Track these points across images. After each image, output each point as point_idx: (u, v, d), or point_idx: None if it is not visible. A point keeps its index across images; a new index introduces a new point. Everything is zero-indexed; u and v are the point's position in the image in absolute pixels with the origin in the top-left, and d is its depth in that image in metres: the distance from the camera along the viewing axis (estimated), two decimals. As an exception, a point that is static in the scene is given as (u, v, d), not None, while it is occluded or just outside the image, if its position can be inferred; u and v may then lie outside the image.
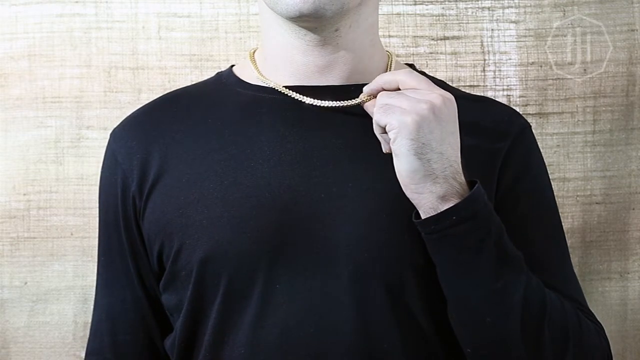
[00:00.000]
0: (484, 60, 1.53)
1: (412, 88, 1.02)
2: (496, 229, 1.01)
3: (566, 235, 1.16)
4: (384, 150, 1.03)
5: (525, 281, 1.01)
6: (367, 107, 1.06)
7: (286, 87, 1.08)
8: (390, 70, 1.12)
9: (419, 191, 1.00)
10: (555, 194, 1.18)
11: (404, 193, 1.02)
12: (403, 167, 1.00)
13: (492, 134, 1.09)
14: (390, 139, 1.00)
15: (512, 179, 1.08)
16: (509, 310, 1.00)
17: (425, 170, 0.99)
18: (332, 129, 1.07)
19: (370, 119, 1.04)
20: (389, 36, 1.52)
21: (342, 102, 1.07)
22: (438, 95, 1.00)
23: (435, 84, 1.14)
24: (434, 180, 0.99)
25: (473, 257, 1.00)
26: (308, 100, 1.07)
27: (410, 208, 1.02)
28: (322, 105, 1.07)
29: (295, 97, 1.08)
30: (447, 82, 1.21)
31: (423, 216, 1.01)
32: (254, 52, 1.15)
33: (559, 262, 1.11)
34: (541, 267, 1.07)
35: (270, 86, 1.09)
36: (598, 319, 1.12)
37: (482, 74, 1.53)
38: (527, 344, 1.01)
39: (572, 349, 1.03)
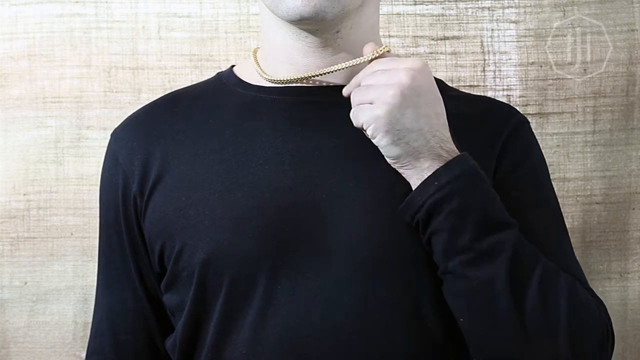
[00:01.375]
0: (484, 60, 1.53)
1: (382, 70, 1.02)
2: (483, 192, 1.02)
3: (566, 235, 1.16)
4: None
5: (513, 242, 1.01)
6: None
7: (287, 88, 1.08)
8: None
9: (409, 170, 1.02)
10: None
11: (405, 192, 1.03)
12: (389, 155, 1.02)
13: (490, 129, 1.10)
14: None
15: (510, 166, 1.08)
16: (495, 273, 1.00)
17: (407, 152, 1.01)
18: (333, 129, 1.07)
19: None
20: (389, 36, 1.52)
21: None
22: (405, 72, 1.01)
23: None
24: (417, 157, 1.01)
25: (458, 221, 1.00)
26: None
27: None
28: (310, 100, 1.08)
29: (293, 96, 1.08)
30: (447, 82, 1.21)
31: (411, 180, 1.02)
32: (255, 52, 1.15)
33: (559, 245, 1.10)
34: (541, 248, 1.05)
35: (273, 85, 1.09)
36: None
37: (482, 74, 1.53)
38: (517, 307, 1.00)
39: (567, 315, 1.02)
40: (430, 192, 1.00)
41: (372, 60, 1.06)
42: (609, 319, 1.09)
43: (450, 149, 1.02)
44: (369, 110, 1.01)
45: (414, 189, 1.02)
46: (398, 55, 1.08)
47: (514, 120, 1.12)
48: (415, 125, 1.01)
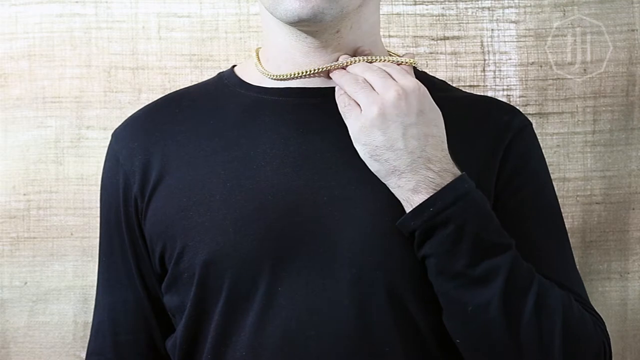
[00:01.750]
0: (484, 60, 1.53)
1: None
2: (479, 217, 1.01)
3: (566, 235, 1.16)
4: None
5: (508, 267, 1.01)
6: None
7: (288, 88, 1.08)
8: None
9: (394, 189, 1.02)
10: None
11: None
12: (370, 168, 1.03)
13: (492, 131, 1.09)
14: None
15: (511, 173, 1.08)
16: (490, 298, 1.00)
17: (387, 169, 1.01)
18: (335, 131, 1.06)
19: None
20: (389, 36, 1.52)
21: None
22: (395, 92, 1.02)
23: (436, 84, 1.15)
24: (399, 175, 1.01)
25: (453, 246, 1.00)
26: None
27: None
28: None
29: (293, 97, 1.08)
30: (448, 82, 1.21)
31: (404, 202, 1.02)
32: (258, 51, 1.15)
33: (558, 255, 1.10)
34: (540, 260, 1.06)
35: (275, 86, 1.09)
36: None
37: (482, 74, 1.53)
38: (511, 330, 1.00)
39: (561, 335, 1.01)
40: (424, 218, 1.00)
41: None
42: (607, 336, 1.09)
43: (442, 169, 1.01)
44: (353, 118, 1.02)
45: (406, 210, 1.02)
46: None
47: (516, 124, 1.11)
48: (395, 144, 1.01)
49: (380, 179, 1.03)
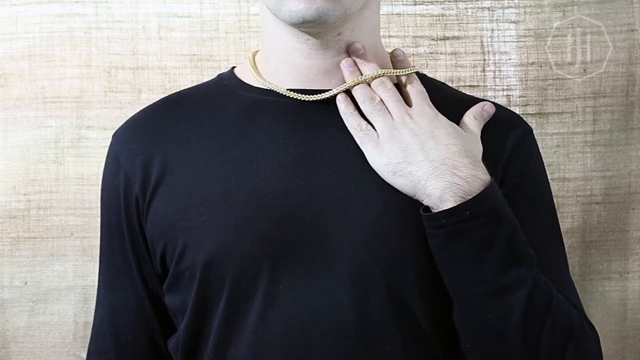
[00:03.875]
0: (484, 60, 1.53)
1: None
2: (508, 226, 1.01)
3: (566, 235, 1.16)
4: None
5: (531, 280, 1.01)
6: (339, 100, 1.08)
7: (288, 89, 1.08)
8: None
9: (421, 199, 1.02)
10: (555, 194, 1.18)
11: (404, 195, 1.03)
12: (396, 185, 1.03)
13: (493, 139, 1.09)
14: None
15: (512, 186, 1.08)
16: (510, 308, 1.00)
17: (412, 182, 1.02)
18: (335, 131, 1.07)
19: None
20: (389, 36, 1.52)
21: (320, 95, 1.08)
22: (407, 118, 1.05)
23: (436, 86, 1.15)
24: (424, 185, 1.01)
25: (481, 253, 1.00)
26: (295, 95, 1.08)
27: (411, 210, 1.03)
28: (308, 99, 1.08)
29: (295, 97, 1.08)
30: (447, 83, 1.21)
31: (433, 210, 1.02)
32: (255, 55, 1.15)
33: (556, 267, 1.11)
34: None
35: (272, 89, 1.09)
36: (594, 325, 1.11)
37: (482, 74, 1.53)
38: (526, 343, 1.01)
39: (571, 353, 1.03)
40: (459, 218, 1.00)
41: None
42: (601, 351, 1.10)
43: (469, 175, 1.01)
44: (372, 146, 1.04)
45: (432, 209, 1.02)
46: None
47: (517, 133, 1.12)
48: (415, 158, 1.02)
49: (410, 196, 1.03)
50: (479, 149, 1.06)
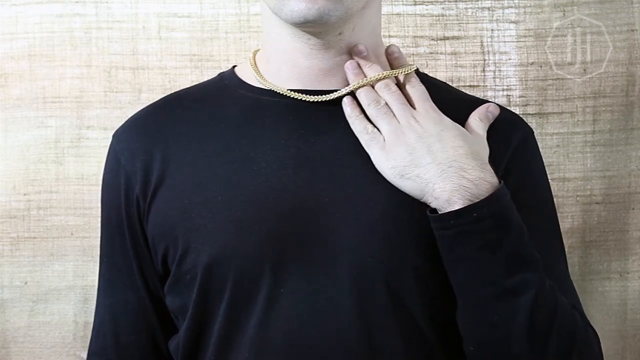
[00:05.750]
0: (484, 60, 1.53)
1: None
2: (516, 230, 1.01)
3: (566, 235, 1.16)
4: None
5: (537, 283, 1.01)
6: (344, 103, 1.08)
7: (289, 90, 1.08)
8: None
9: (429, 202, 1.02)
10: (555, 194, 1.18)
11: (405, 197, 1.03)
12: (403, 189, 1.03)
13: (494, 140, 1.09)
14: None
15: (514, 188, 1.08)
16: (516, 311, 1.00)
17: (420, 185, 1.02)
18: (335, 133, 1.07)
19: None
20: (389, 36, 1.52)
21: (324, 96, 1.08)
22: (413, 121, 1.04)
23: (437, 85, 1.15)
24: (432, 187, 1.01)
25: (488, 256, 1.00)
26: (297, 96, 1.08)
27: (411, 212, 1.03)
28: (309, 100, 1.08)
29: (296, 97, 1.08)
30: (448, 83, 1.21)
31: (440, 212, 1.02)
32: (255, 54, 1.15)
33: (556, 269, 1.11)
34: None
35: (273, 89, 1.09)
36: (594, 327, 1.11)
37: (482, 74, 1.53)
38: (532, 347, 1.01)
39: (576, 357, 1.03)
40: (466, 220, 0.99)
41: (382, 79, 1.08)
42: (601, 352, 1.10)
43: (477, 177, 1.01)
44: (379, 149, 1.04)
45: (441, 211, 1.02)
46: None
47: (519, 135, 1.11)
48: (423, 160, 1.02)
49: (418, 199, 1.03)
50: (485, 150, 1.06)
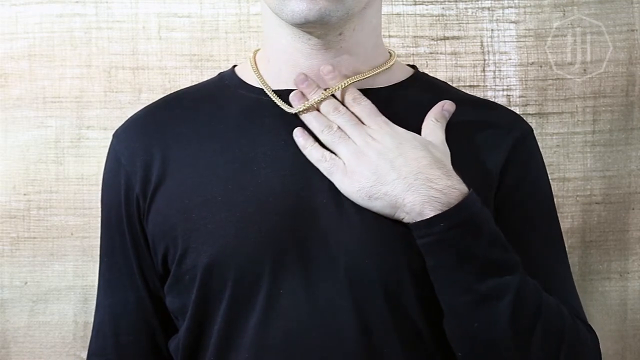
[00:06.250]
0: (484, 60, 1.53)
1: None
2: (488, 235, 1.01)
3: (566, 235, 1.16)
4: None
5: (516, 286, 1.01)
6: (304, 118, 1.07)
7: (288, 90, 1.08)
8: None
9: (401, 217, 1.01)
10: (555, 194, 1.18)
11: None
12: (374, 210, 1.02)
13: (493, 139, 1.09)
14: None
15: (512, 186, 1.08)
16: (496, 316, 1.00)
17: (389, 202, 1.01)
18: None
19: None
20: (389, 36, 1.52)
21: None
22: (369, 139, 1.03)
23: (437, 85, 1.15)
24: (402, 202, 1.00)
25: (460, 263, 1.00)
26: (280, 103, 1.07)
27: None
28: (285, 109, 1.07)
29: (275, 101, 1.07)
30: (448, 82, 1.21)
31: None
32: (255, 54, 1.14)
33: (556, 268, 1.11)
34: (538, 273, 1.06)
35: (270, 89, 1.09)
36: (594, 328, 1.11)
37: (482, 74, 1.53)
38: (517, 349, 1.01)
39: (565, 356, 1.03)
40: (435, 230, 0.99)
41: None
42: (600, 352, 1.10)
43: (445, 186, 1.01)
44: (341, 174, 1.02)
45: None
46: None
47: (518, 133, 1.11)
48: (387, 177, 1.01)
49: (390, 217, 1.02)
50: (447, 155, 1.05)
